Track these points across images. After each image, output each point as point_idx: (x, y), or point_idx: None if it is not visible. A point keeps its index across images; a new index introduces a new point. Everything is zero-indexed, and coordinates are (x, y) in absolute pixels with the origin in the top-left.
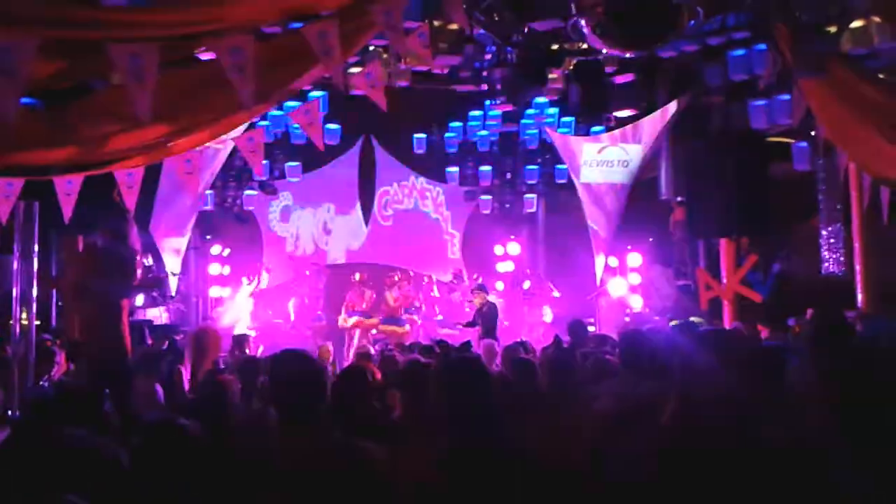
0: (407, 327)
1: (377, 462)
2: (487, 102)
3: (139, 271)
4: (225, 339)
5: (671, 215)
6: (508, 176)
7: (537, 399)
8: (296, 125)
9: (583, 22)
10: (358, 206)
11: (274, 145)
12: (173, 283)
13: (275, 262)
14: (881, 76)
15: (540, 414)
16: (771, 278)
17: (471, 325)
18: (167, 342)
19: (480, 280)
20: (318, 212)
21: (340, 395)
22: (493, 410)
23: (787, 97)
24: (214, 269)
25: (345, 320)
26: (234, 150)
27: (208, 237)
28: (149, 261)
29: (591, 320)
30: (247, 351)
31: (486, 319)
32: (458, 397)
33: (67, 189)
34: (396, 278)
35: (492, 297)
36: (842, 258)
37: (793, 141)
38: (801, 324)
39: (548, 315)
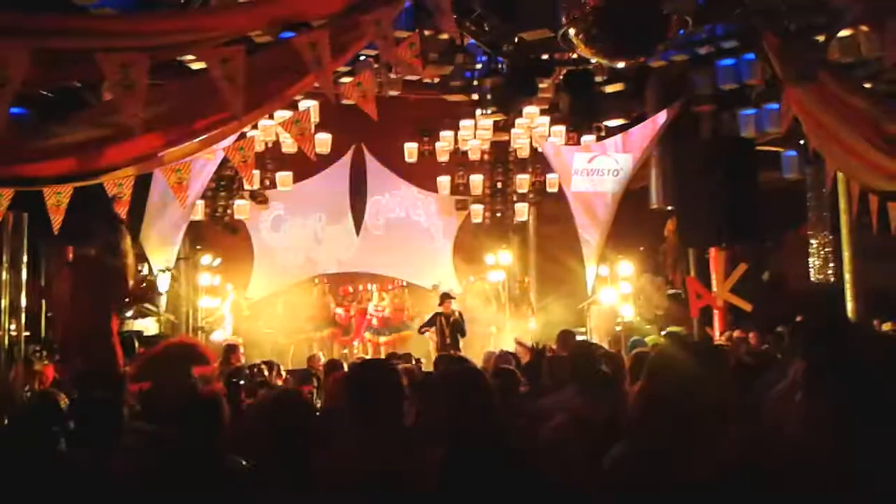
0: (388, 336)
1: None
2: (478, 112)
3: (131, 284)
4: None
5: (666, 224)
6: (499, 185)
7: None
8: (287, 134)
9: (572, 32)
10: (349, 215)
11: (265, 155)
12: (165, 280)
13: (265, 272)
14: (868, 85)
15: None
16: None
17: (430, 325)
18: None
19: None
20: (309, 221)
21: None
22: (494, 420)
23: (775, 106)
24: (205, 279)
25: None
26: (225, 160)
27: (199, 247)
28: (144, 269)
29: (583, 329)
30: (240, 360)
31: (459, 326)
32: (459, 406)
33: (57, 200)
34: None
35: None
36: (831, 266)
37: (782, 149)
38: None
39: (532, 323)
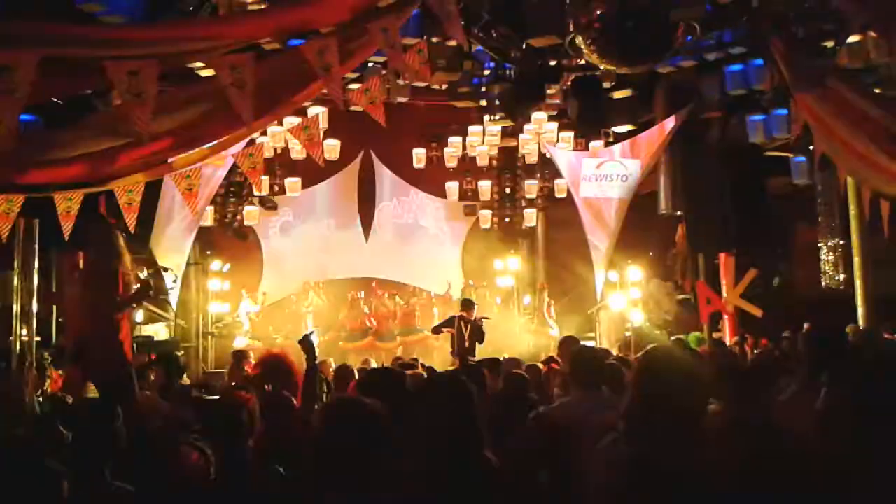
0: (396, 342)
1: None
2: (486, 117)
3: (130, 283)
4: None
5: (676, 229)
6: (508, 190)
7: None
8: (296, 141)
9: (580, 38)
10: (358, 220)
11: (274, 161)
12: (174, 294)
13: (275, 278)
14: (877, 91)
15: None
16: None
17: (447, 325)
18: (153, 356)
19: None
20: (318, 227)
21: None
22: (473, 429)
23: (784, 111)
24: (214, 284)
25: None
26: (234, 166)
27: (208, 253)
28: (143, 273)
29: (592, 335)
30: (246, 368)
31: (478, 333)
32: (438, 414)
33: (67, 206)
34: (385, 296)
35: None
36: (841, 272)
37: (791, 155)
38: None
39: (553, 329)
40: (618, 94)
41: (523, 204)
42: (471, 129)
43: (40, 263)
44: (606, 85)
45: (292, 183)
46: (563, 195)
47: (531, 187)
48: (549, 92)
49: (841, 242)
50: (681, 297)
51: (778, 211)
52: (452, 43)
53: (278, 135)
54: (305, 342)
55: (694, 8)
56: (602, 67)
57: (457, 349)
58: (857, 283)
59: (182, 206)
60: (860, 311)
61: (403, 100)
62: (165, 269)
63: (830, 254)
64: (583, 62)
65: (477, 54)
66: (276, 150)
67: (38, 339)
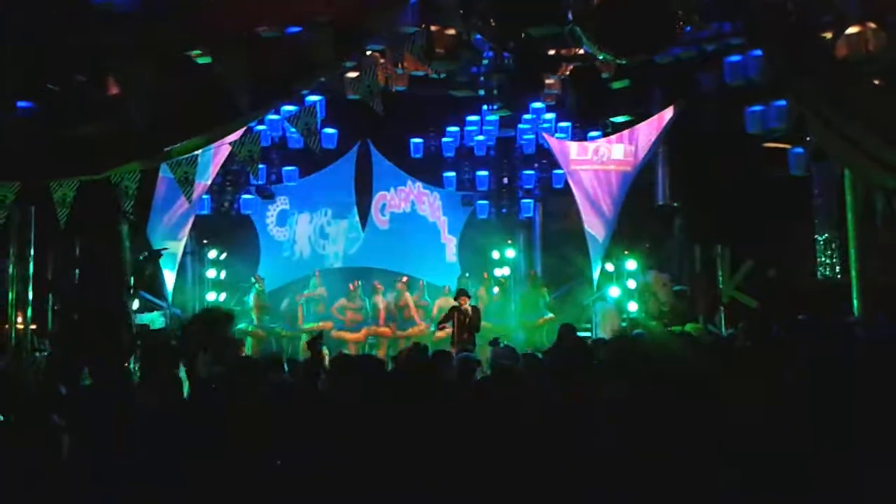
0: (393, 333)
1: None
2: (485, 107)
3: (131, 271)
4: None
5: (674, 220)
6: (506, 181)
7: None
8: (293, 129)
9: (579, 28)
10: (355, 210)
11: (271, 149)
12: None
13: (272, 267)
14: (876, 82)
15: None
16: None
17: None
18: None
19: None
20: (315, 216)
21: None
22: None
23: (782, 103)
24: (211, 273)
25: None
26: (232, 155)
27: (205, 241)
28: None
29: (588, 325)
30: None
31: (475, 321)
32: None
33: (63, 194)
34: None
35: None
36: (837, 263)
37: (788, 146)
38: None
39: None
40: (616, 85)
41: (521, 194)
42: (469, 118)
43: (36, 251)
44: (605, 75)
45: (290, 172)
46: (561, 186)
47: (529, 177)
48: (547, 82)
49: (837, 233)
50: (677, 287)
51: (774, 202)
52: (451, 32)
53: (276, 123)
54: (314, 345)
55: None
56: (601, 57)
57: (456, 339)
58: (853, 274)
59: (178, 195)
60: (855, 301)
61: (401, 88)
62: (165, 249)
63: (827, 245)
64: (582, 52)
65: (476, 43)
66: (273, 138)
67: (34, 326)
